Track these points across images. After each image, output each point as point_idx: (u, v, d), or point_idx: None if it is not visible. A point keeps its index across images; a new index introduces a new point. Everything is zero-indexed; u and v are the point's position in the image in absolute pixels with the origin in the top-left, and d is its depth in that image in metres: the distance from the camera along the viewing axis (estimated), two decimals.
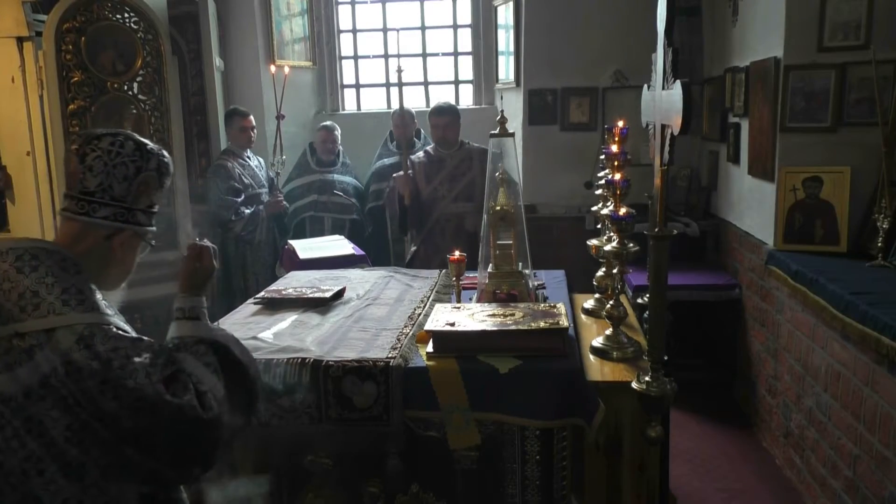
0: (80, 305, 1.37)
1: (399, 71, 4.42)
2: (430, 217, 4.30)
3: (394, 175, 4.41)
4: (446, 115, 4.41)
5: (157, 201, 1.59)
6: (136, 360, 1.35)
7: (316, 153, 5.19)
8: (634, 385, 2.01)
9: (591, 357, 2.39)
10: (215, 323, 2.75)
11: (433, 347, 2.26)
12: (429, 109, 6.02)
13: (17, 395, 1.30)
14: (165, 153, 1.60)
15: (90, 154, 1.47)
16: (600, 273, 2.78)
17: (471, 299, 2.73)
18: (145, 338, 1.44)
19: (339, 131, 5.20)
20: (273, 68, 4.91)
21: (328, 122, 5.26)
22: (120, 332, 1.39)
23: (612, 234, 2.55)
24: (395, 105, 6.03)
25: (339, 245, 4.14)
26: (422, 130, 5.30)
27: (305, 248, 4.04)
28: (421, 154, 4.50)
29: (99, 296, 1.44)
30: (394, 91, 6.26)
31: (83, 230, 1.48)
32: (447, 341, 2.25)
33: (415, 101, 6.12)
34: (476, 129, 5.37)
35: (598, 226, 2.92)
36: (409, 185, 4.24)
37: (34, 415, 1.30)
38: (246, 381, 1.57)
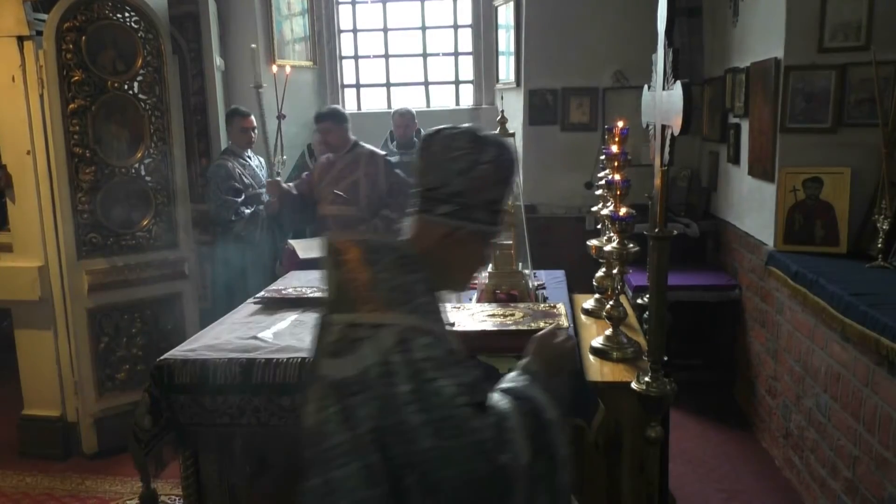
0: (403, 306, 1.32)
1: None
2: (317, 216, 4.46)
3: (267, 181, 4.52)
4: (324, 122, 4.42)
5: (500, 197, 1.47)
6: (448, 375, 1.26)
7: (314, 154, 5.19)
8: (634, 385, 2.01)
9: (591, 357, 2.39)
10: (223, 321, 2.75)
11: None
12: (429, 110, 6.06)
13: (340, 383, 1.29)
14: (509, 146, 1.49)
15: (431, 149, 1.43)
16: (600, 273, 2.78)
17: (471, 299, 2.73)
18: (461, 354, 1.36)
19: None
20: (275, 68, 4.91)
21: None
22: (438, 342, 1.31)
23: (612, 234, 2.55)
24: (395, 105, 6.04)
25: None
26: (422, 130, 5.30)
27: (305, 247, 4.04)
28: (328, 155, 4.58)
29: (428, 299, 1.38)
30: (394, 91, 6.27)
31: (425, 228, 1.43)
32: None
33: (415, 101, 6.13)
34: None
35: (599, 226, 2.92)
36: (276, 190, 4.41)
37: (349, 406, 1.27)
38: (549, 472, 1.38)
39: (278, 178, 4.49)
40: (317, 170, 4.55)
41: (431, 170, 1.42)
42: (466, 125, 1.47)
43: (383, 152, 4.70)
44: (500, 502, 1.27)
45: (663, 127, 1.97)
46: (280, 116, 4.69)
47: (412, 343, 1.27)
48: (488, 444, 1.25)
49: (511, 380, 1.46)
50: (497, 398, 1.37)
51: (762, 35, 3.76)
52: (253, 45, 4.47)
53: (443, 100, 6.23)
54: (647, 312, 2.29)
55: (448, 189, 1.40)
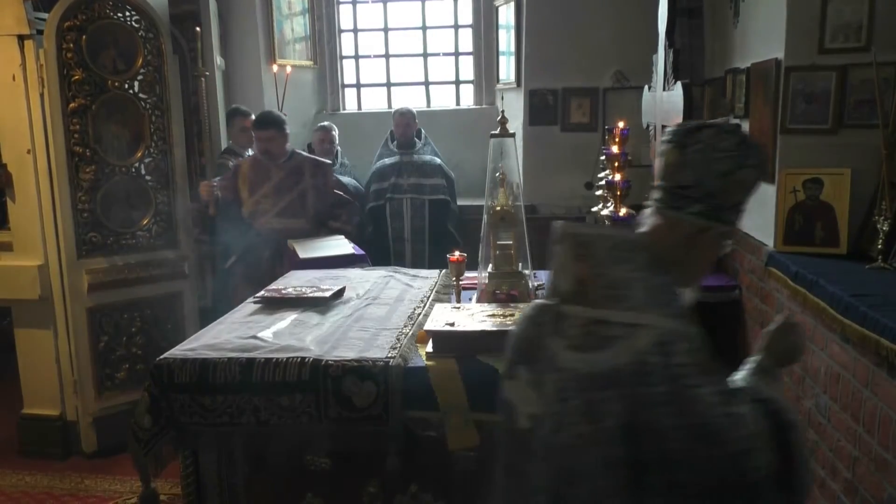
0: (663, 308, 1.32)
1: None
2: (251, 231, 3.99)
3: (203, 182, 4.10)
4: (268, 129, 3.99)
5: (747, 200, 1.45)
6: (708, 383, 1.27)
7: (314, 154, 5.18)
8: None
9: None
10: (223, 321, 2.75)
11: (433, 347, 2.26)
12: (429, 109, 6.06)
13: (584, 377, 1.30)
14: (764, 152, 1.49)
15: (690, 146, 1.39)
16: None
17: (471, 299, 2.73)
18: (714, 360, 1.35)
19: (337, 131, 5.20)
20: (275, 68, 4.91)
21: (325, 123, 5.26)
22: (699, 348, 1.31)
23: None
24: (395, 104, 6.04)
25: (338, 244, 4.13)
26: (422, 130, 5.30)
27: (305, 247, 4.03)
28: (248, 159, 4.14)
29: (680, 302, 1.37)
30: (394, 91, 6.27)
31: (671, 225, 1.41)
32: (447, 341, 2.25)
33: (415, 101, 6.13)
34: (477, 130, 5.37)
35: None
36: (211, 194, 3.97)
37: (595, 400, 1.28)
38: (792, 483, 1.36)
39: (214, 182, 4.07)
40: (243, 180, 4.03)
41: (688, 167, 1.39)
42: (726, 123, 1.45)
43: (329, 161, 4.53)
44: None
45: (664, 127, 1.98)
46: None
47: (672, 347, 1.27)
48: (741, 456, 1.25)
49: (748, 379, 1.45)
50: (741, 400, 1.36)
51: (763, 36, 3.76)
52: (197, 28, 4.20)
53: (443, 100, 6.23)
54: None
55: (704, 188, 1.38)
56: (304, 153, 4.28)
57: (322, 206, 4.10)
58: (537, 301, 1.44)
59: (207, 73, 4.27)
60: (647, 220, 1.44)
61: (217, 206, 4.03)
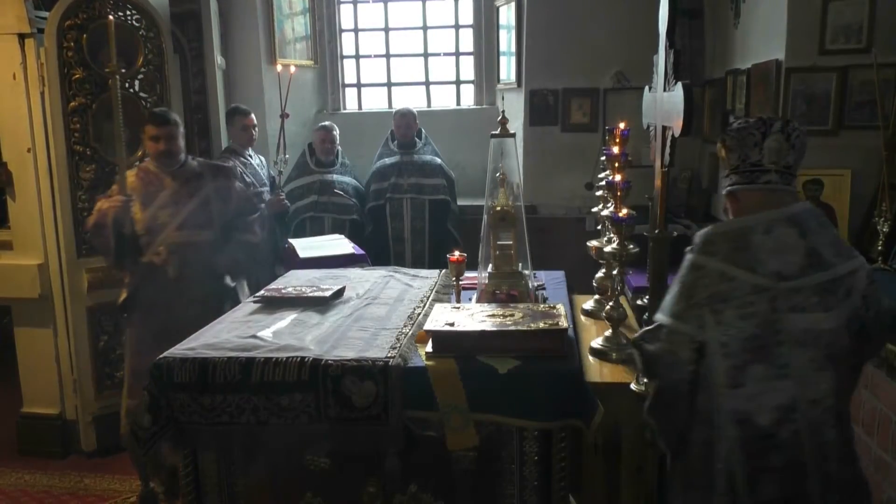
0: (856, 251, 1.74)
1: None
2: (150, 249, 3.36)
3: (102, 198, 3.41)
4: (168, 125, 3.40)
5: None
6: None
7: (315, 154, 5.18)
8: (633, 386, 2.01)
9: (591, 358, 2.39)
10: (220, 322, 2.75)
11: (432, 347, 2.26)
12: (430, 109, 6.06)
13: (829, 332, 1.64)
14: None
15: (792, 134, 1.76)
16: (600, 274, 2.78)
17: (470, 299, 2.73)
18: None
19: (338, 131, 5.19)
20: (279, 67, 4.91)
21: (326, 122, 5.25)
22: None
23: (612, 235, 2.55)
24: (396, 104, 6.04)
25: (338, 244, 4.14)
26: (423, 130, 5.30)
27: (305, 247, 4.03)
28: (134, 171, 3.49)
29: None
30: (395, 90, 6.27)
31: (786, 198, 1.75)
32: (446, 341, 2.25)
33: (416, 101, 6.12)
34: (477, 130, 5.37)
35: (599, 227, 2.92)
36: (124, 206, 3.29)
37: (834, 353, 1.65)
38: None
39: (128, 197, 3.31)
40: (136, 190, 3.39)
41: (792, 152, 1.76)
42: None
43: (230, 165, 4.12)
44: None
45: (664, 128, 1.98)
46: (283, 115, 4.67)
47: (875, 274, 1.72)
48: None
49: None
50: None
51: (763, 37, 3.76)
52: (111, 16, 3.70)
53: (443, 100, 6.23)
54: (646, 314, 2.29)
55: (797, 166, 1.79)
56: (200, 158, 3.84)
57: (226, 213, 3.58)
58: (731, 306, 1.66)
59: (124, 70, 3.71)
60: (776, 196, 1.74)
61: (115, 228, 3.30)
